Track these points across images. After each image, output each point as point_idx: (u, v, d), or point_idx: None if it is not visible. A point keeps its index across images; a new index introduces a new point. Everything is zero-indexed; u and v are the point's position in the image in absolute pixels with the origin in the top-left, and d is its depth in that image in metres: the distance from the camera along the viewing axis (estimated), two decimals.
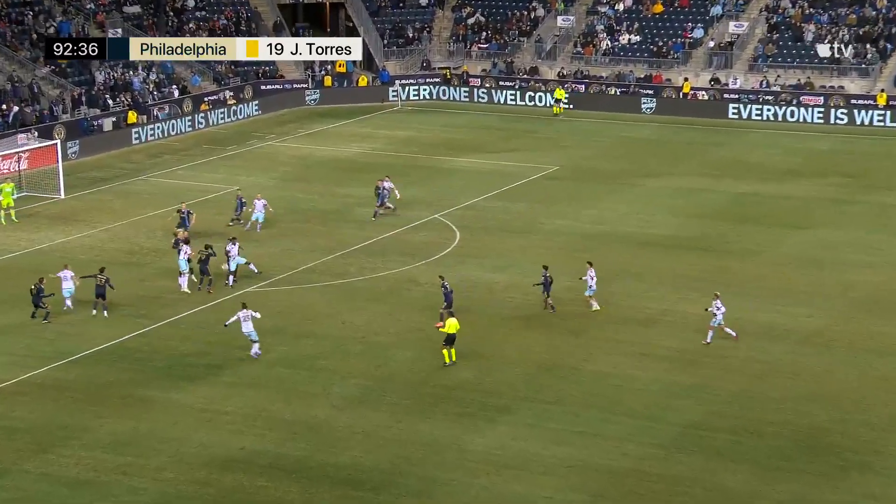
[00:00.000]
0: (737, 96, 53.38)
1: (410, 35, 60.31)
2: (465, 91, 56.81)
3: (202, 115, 50.88)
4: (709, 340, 26.27)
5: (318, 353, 26.25)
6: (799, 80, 53.57)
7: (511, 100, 55.86)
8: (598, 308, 28.15)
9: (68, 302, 28.42)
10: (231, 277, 30.25)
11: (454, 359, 25.20)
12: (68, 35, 50.73)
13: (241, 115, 52.38)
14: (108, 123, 47.61)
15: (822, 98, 52.23)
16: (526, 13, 60.45)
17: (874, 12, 55.53)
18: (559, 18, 59.07)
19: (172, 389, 24.31)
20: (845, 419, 22.76)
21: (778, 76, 53.90)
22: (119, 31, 51.84)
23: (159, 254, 32.90)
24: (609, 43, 57.58)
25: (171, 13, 56.64)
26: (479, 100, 56.28)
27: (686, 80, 54.47)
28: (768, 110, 52.12)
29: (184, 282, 29.68)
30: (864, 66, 53.50)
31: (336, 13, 62.33)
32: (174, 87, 51.98)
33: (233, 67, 55.26)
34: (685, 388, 24.29)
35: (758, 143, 48.24)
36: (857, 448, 21.62)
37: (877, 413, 23.12)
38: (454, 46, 59.87)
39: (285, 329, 27.51)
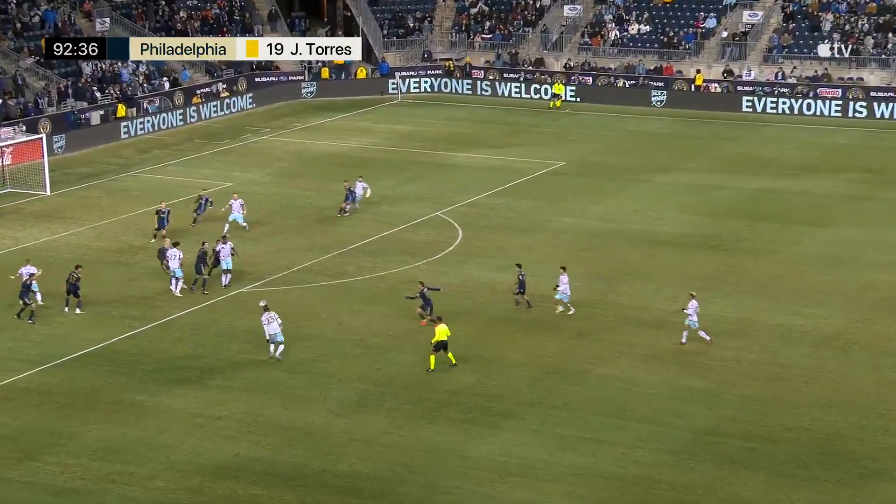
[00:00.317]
0: (751, 89, 52.76)
1: (411, 25, 59.62)
2: (467, 83, 56.25)
3: (194, 108, 50.29)
4: (683, 341, 25.92)
5: (316, 355, 25.91)
6: (816, 71, 52.86)
7: (515, 93, 55.31)
8: (568, 312, 27.51)
9: (38, 298, 28.23)
10: (226, 276, 29.86)
11: (454, 362, 24.87)
12: (53, 24, 50.04)
13: (234, 108, 51.85)
14: (95, 117, 46.95)
15: (840, 90, 51.56)
16: (531, 2, 59.76)
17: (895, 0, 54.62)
18: (566, 8, 58.45)
19: (163, 394, 23.97)
20: (864, 425, 22.49)
21: (794, 67, 53.23)
22: (107, 20, 51.25)
23: (149, 253, 32.34)
24: (618, 33, 56.92)
25: (162, 2, 55.72)
26: (483, 93, 55.79)
27: (698, 71, 53.78)
28: (784, 103, 51.49)
29: (176, 287, 29.03)
30: (884, 56, 52.67)
31: (333, 2, 61.49)
32: (165, 79, 51.10)
33: None
34: (696, 392, 23.97)
35: (773, 137, 47.77)
36: (876, 455, 21.36)
37: None
38: (456, 37, 59.21)
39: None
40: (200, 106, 50.49)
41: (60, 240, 34.25)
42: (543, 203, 37.82)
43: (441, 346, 24.62)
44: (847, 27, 54.24)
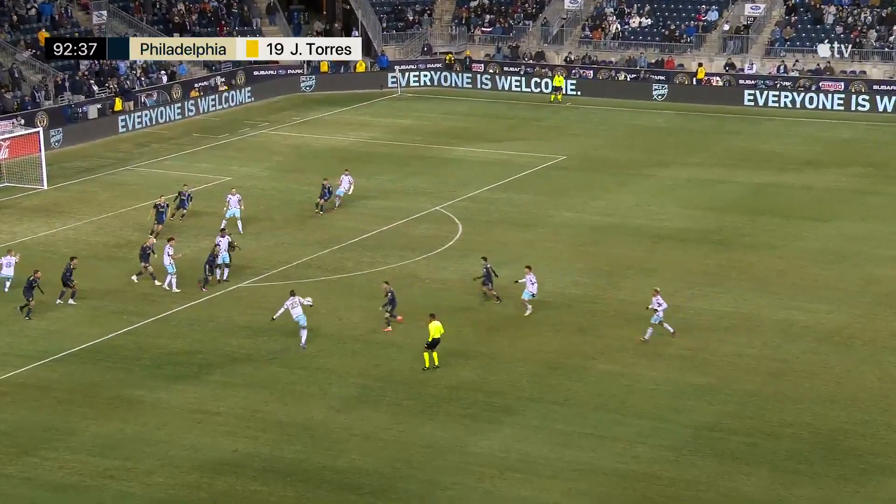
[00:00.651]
0: (753, 82, 52.53)
1: (410, 18, 59.37)
2: (467, 77, 56.02)
3: (192, 102, 50.06)
4: (646, 337, 25.71)
5: (315, 351, 25.79)
6: (818, 64, 52.65)
7: (516, 86, 55.08)
8: (525, 312, 27.19)
9: (6, 288, 28.46)
10: (223, 271, 29.60)
11: (437, 363, 24.56)
12: (50, 17, 49.76)
13: (232, 102, 51.61)
14: (93, 111, 46.74)
15: (842, 84, 51.32)
16: None
17: None
18: (566, 0, 58.18)
19: (161, 389, 23.86)
20: (866, 421, 22.40)
21: (796, 61, 53.00)
22: (104, 13, 51.07)
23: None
24: (619, 26, 56.70)
25: None
26: (483, 86, 55.57)
27: (700, 65, 53.55)
28: (786, 97, 51.29)
29: (172, 282, 28.85)
30: (886, 49, 52.46)
31: None
32: (162, 72, 50.83)
33: None
34: (698, 388, 23.87)
35: (775, 131, 47.63)
36: (879, 451, 21.28)
37: None
38: (456, 30, 58.99)
39: (280, 326, 26.94)
40: (198, 100, 50.27)
41: (58, 234, 34.12)
42: (544, 197, 37.67)
43: (435, 344, 24.33)
44: (850, 20, 54.00)
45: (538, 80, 54.74)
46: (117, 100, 47.40)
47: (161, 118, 48.37)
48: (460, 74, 56.12)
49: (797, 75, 52.24)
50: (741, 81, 52.75)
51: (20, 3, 50.83)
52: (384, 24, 58.61)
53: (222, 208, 34.01)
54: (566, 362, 24.94)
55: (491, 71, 56.06)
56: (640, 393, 23.45)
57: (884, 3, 54.20)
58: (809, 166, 41.78)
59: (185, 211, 34.43)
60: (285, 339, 26.20)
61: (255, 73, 54.22)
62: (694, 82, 53.20)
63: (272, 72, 54.69)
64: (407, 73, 56.11)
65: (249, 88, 52.78)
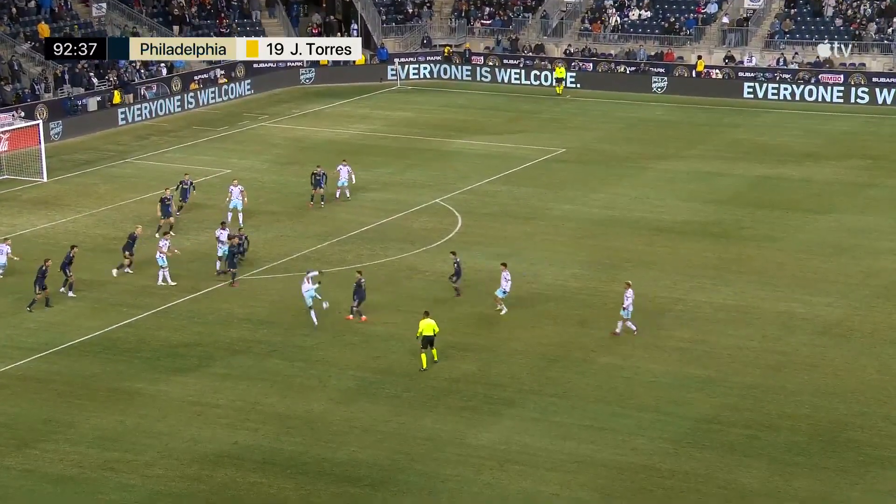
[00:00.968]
0: (752, 75, 52.47)
1: (410, 11, 59.24)
2: (467, 70, 55.97)
3: (192, 94, 49.99)
4: (618, 331, 25.62)
5: (314, 343, 25.75)
6: (818, 57, 52.45)
7: (515, 79, 55.02)
8: (499, 310, 26.96)
9: None
10: (220, 263, 29.54)
11: (436, 358, 24.31)
12: (50, 10, 49.58)
13: (232, 94, 51.56)
14: (92, 103, 46.62)
15: (842, 76, 51.26)
16: None
17: None
18: None
19: (161, 382, 23.83)
20: (865, 413, 22.38)
21: (796, 53, 52.91)
22: (104, 5, 50.97)
23: (147, 240, 31.93)
24: (618, 19, 56.60)
25: None
26: (482, 79, 55.55)
27: (699, 57, 53.50)
28: (785, 89, 51.24)
29: (166, 276, 28.77)
30: (886, 42, 52.37)
31: None
32: (162, 64, 50.68)
33: None
34: (698, 380, 23.85)
35: (775, 123, 47.57)
36: (878, 443, 21.26)
37: None
38: (456, 23, 58.86)
39: (280, 319, 27.00)
40: (198, 92, 50.19)
41: (58, 227, 34.06)
42: (544, 190, 37.61)
43: (428, 342, 24.02)
44: (849, 12, 53.86)
45: (538, 73, 54.65)
46: (117, 92, 47.27)
47: (161, 111, 48.29)
48: (460, 67, 56.03)
49: (797, 68, 52.16)
50: (741, 74, 52.68)
51: None
52: (384, 17, 58.45)
53: (223, 200, 33.97)
54: (566, 355, 24.92)
55: (490, 63, 55.96)
56: (639, 385, 23.42)
57: None
58: (809, 159, 41.72)
59: (184, 203, 34.31)
60: (285, 331, 26.19)
61: (255, 65, 54.11)
62: (693, 75, 53.12)
63: (272, 65, 54.53)
64: (406, 66, 56.01)
65: (249, 81, 52.69)
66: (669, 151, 42.65)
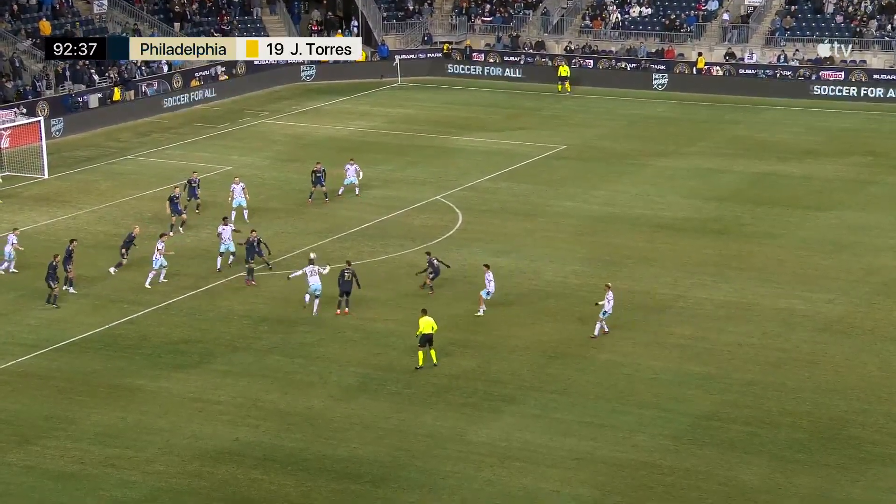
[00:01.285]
0: (753, 72, 52.32)
1: (411, 7, 59.21)
2: (467, 67, 55.66)
3: (193, 91, 49.66)
4: (596, 334, 25.48)
5: (315, 340, 25.75)
6: (818, 54, 52.25)
7: (516, 76, 54.66)
8: (477, 312, 26.78)
9: (3, 266, 28.62)
10: (221, 260, 29.53)
11: (435, 361, 24.19)
12: (51, 6, 49.59)
13: (233, 91, 51.27)
14: (94, 100, 46.65)
15: (842, 73, 51.12)
16: None
17: None
18: None
19: (162, 378, 23.83)
20: (866, 410, 22.38)
21: (796, 50, 52.78)
22: (105, 2, 50.92)
23: (148, 237, 31.95)
24: (619, 16, 56.54)
25: None
26: (483, 76, 55.11)
27: (700, 54, 53.42)
28: (786, 86, 50.87)
29: (154, 276, 28.60)
30: (887, 39, 52.30)
31: None
32: (163, 61, 50.67)
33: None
34: (698, 377, 23.84)
35: (775, 120, 47.54)
36: (879, 440, 21.26)
37: None
38: (456, 20, 58.84)
39: (280, 316, 27.01)
40: (199, 89, 50.13)
41: (59, 223, 34.06)
42: (544, 187, 37.61)
43: (427, 340, 23.93)
44: (850, 9, 53.80)
45: (538, 70, 54.61)
46: (117, 89, 47.29)
47: (162, 107, 48.20)
48: (460, 64, 55.98)
49: (797, 65, 52.12)
50: (741, 71, 52.65)
51: None
52: (384, 14, 58.42)
53: (225, 198, 33.94)
54: (566, 351, 24.91)
55: (491, 60, 55.92)
56: (639, 382, 23.41)
57: None
58: (809, 156, 41.70)
59: (198, 200, 33.97)
60: (285, 328, 26.18)
61: (256, 62, 54.02)
62: (694, 72, 53.08)
63: (272, 61, 54.47)
64: (407, 63, 55.98)
65: (250, 78, 52.62)
66: (670, 148, 42.62)
